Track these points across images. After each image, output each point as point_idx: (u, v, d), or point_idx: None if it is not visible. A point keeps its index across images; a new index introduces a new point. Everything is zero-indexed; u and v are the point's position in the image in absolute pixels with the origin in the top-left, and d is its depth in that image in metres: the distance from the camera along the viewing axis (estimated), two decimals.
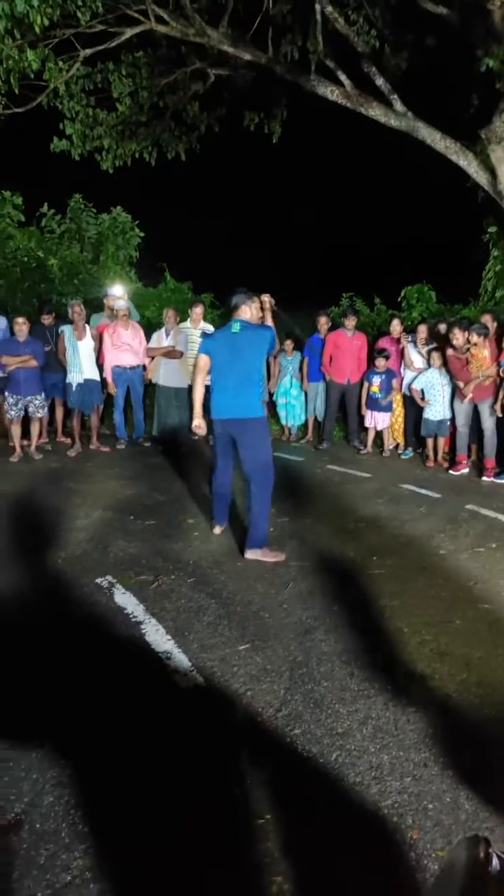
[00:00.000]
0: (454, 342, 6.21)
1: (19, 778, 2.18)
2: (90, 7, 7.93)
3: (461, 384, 6.34)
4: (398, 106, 8.05)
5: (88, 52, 8.72)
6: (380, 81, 8.17)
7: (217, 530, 4.54)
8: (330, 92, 8.26)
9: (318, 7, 7.89)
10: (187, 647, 3.02)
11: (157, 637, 3.10)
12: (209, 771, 2.23)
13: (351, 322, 7.43)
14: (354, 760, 2.29)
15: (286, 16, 8.98)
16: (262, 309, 4.36)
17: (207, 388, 4.18)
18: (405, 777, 2.21)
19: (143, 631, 3.17)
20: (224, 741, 2.38)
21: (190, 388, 7.41)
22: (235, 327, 4.06)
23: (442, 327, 7.01)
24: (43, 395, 6.90)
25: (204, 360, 4.14)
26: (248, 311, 4.15)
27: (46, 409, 6.99)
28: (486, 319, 6.60)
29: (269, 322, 4.37)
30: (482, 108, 8.28)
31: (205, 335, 4.42)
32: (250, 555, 4.07)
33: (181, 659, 2.91)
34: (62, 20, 7.95)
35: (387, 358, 7.15)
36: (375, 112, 8.13)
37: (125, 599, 3.52)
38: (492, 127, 7.07)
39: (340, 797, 2.13)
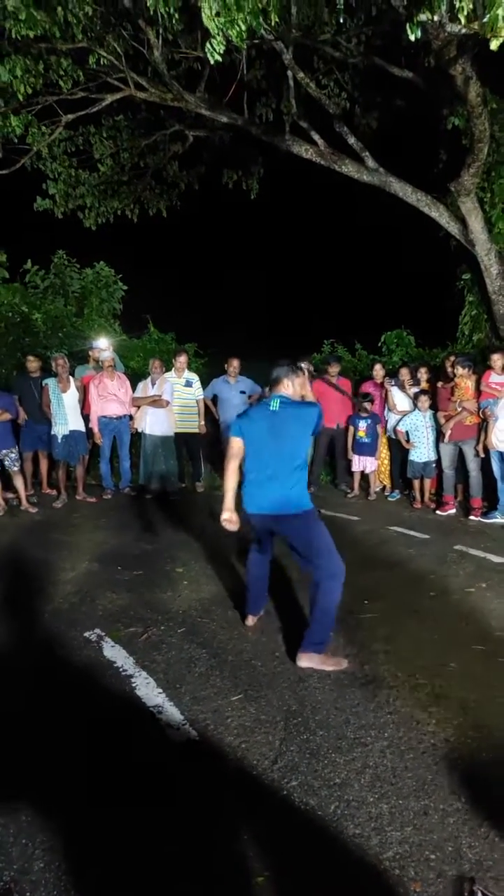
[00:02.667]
0: (456, 371, 6.36)
1: (7, 844, 2.10)
2: (72, 76, 8.30)
3: (443, 420, 6.47)
4: (370, 162, 8.41)
5: (70, 117, 9.07)
6: (352, 140, 8.55)
7: (250, 621, 3.85)
8: (304, 151, 8.62)
9: (290, 73, 8.31)
10: (179, 699, 2.96)
11: (148, 690, 3.05)
12: (205, 828, 2.17)
13: (334, 369, 7.58)
14: (353, 811, 2.24)
15: (260, 81, 9.45)
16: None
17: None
18: (406, 827, 2.16)
19: (134, 685, 3.11)
20: (219, 796, 2.33)
21: (177, 437, 7.54)
22: (274, 404, 3.42)
23: (422, 371, 7.17)
24: (16, 448, 6.85)
25: (238, 445, 3.49)
26: (291, 386, 3.49)
27: (19, 463, 6.88)
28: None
29: (309, 395, 3.69)
30: (450, 163, 8.69)
31: (240, 414, 3.67)
32: (305, 662, 3.29)
33: (173, 712, 2.85)
34: (45, 88, 8.30)
35: (371, 402, 7.27)
36: (349, 168, 8.48)
37: (114, 653, 3.46)
38: (460, 180, 7.38)
39: (341, 851, 2.08)
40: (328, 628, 3.30)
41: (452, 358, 6.49)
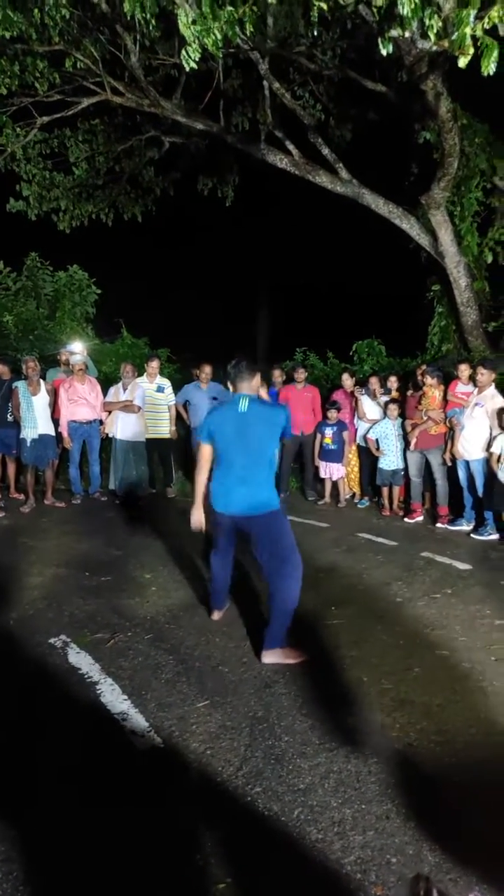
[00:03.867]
0: (425, 380, 6.42)
1: None
2: (48, 78, 8.26)
3: (410, 428, 6.55)
4: (343, 174, 8.53)
5: (46, 119, 9.02)
6: (326, 151, 8.66)
7: (216, 616, 3.96)
8: (279, 160, 8.70)
9: (266, 83, 8.39)
10: (144, 706, 2.94)
11: (113, 697, 3.02)
12: (168, 836, 2.16)
13: (300, 375, 7.63)
14: (317, 816, 2.24)
15: (237, 89, 9.53)
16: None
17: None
18: (368, 831, 2.17)
19: (99, 691, 3.07)
20: (183, 803, 2.31)
21: (148, 442, 7.50)
22: (243, 405, 3.39)
23: (392, 380, 7.25)
24: None
25: (208, 451, 3.53)
26: (249, 386, 3.46)
27: None
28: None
29: (263, 394, 3.71)
30: (421, 176, 8.85)
31: (208, 413, 3.64)
32: (269, 657, 3.36)
33: (138, 719, 2.83)
34: (21, 90, 8.24)
35: (338, 410, 7.33)
36: (322, 179, 8.58)
37: (80, 659, 3.42)
38: (431, 193, 7.52)
39: (303, 856, 2.08)
40: (286, 625, 3.37)
41: (423, 367, 6.60)
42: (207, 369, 7.70)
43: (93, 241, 11.29)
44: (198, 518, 3.60)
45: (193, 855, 2.06)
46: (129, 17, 5.31)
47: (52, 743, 2.68)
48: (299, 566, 3.38)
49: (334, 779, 2.44)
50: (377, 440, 6.96)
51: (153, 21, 5.01)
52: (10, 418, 7.08)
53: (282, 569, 3.34)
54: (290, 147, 8.68)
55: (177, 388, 7.93)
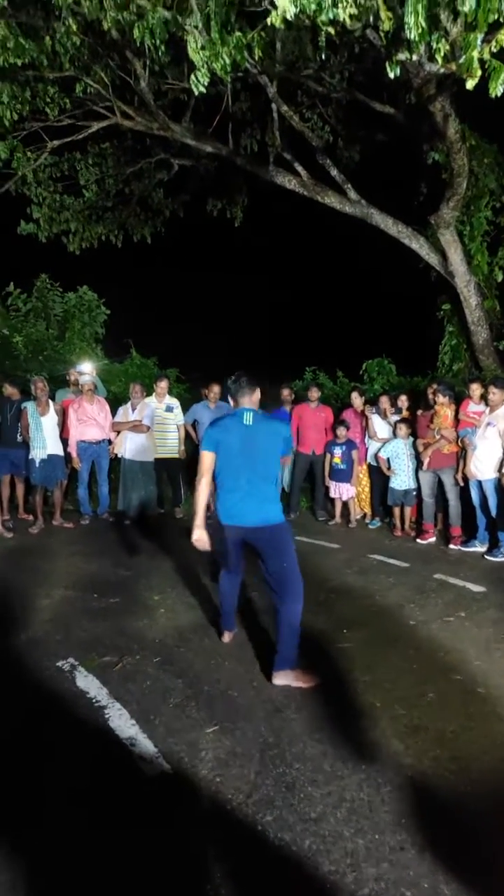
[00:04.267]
0: (436, 399, 6.41)
1: None
2: (58, 103, 8.43)
3: (422, 447, 6.53)
4: (352, 194, 8.62)
5: (56, 143, 9.20)
6: (334, 172, 8.77)
7: (226, 638, 3.95)
8: (287, 181, 8.82)
9: (274, 106, 8.53)
10: (153, 731, 2.91)
11: (121, 722, 2.99)
12: (177, 863, 2.12)
13: (314, 394, 7.66)
14: (329, 847, 2.20)
15: (245, 112, 9.68)
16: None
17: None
18: (382, 863, 2.13)
19: (107, 716, 3.05)
20: (192, 831, 2.28)
21: (157, 462, 7.52)
22: (248, 418, 3.47)
23: (402, 399, 7.25)
24: None
25: (210, 459, 3.54)
26: (249, 400, 3.55)
27: None
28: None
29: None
30: (430, 196, 8.93)
31: (212, 423, 3.64)
32: (280, 679, 3.36)
33: (146, 745, 2.80)
34: (31, 114, 8.42)
35: (347, 427, 7.34)
36: (331, 200, 8.68)
37: (87, 683, 3.40)
38: (440, 213, 7.59)
39: (315, 888, 2.04)
40: (295, 645, 3.40)
41: (434, 386, 6.61)
42: (216, 389, 7.74)
43: (102, 262, 11.43)
44: (199, 537, 3.60)
45: (203, 885, 2.03)
46: (138, 44, 5.43)
47: (60, 767, 2.66)
48: (300, 583, 3.43)
49: (347, 808, 2.40)
50: (388, 459, 6.94)
51: (163, 47, 5.13)
52: (19, 439, 7.12)
53: (284, 586, 3.41)
54: (299, 168, 8.80)
55: (185, 407, 7.96)
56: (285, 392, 8.02)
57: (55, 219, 10.04)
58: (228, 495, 3.52)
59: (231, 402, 3.67)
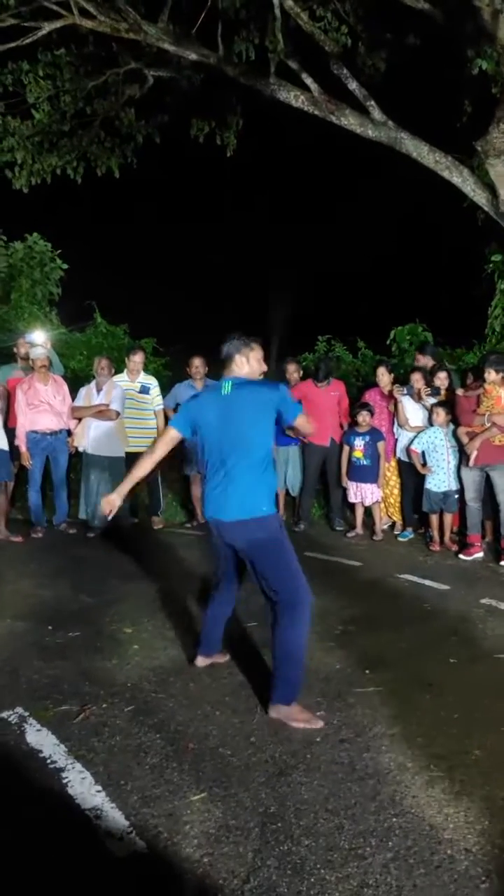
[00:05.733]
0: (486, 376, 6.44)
1: None
2: None
3: (466, 438, 6.53)
4: (376, 114, 8.58)
5: None
6: (353, 85, 8.72)
7: (199, 662, 4.14)
8: (294, 97, 8.77)
9: (276, 1, 8.45)
10: (124, 800, 2.92)
11: (84, 788, 3.00)
12: None
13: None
14: None
15: (239, 9, 9.60)
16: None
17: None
18: None
19: (65, 780, 3.06)
20: None
21: (128, 458, 7.52)
22: (226, 388, 3.59)
23: (440, 377, 7.24)
24: None
25: (171, 436, 3.74)
26: (246, 364, 3.68)
27: None
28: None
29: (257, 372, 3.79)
30: (476, 117, 8.89)
31: (190, 398, 3.83)
32: (275, 713, 3.55)
33: (115, 817, 2.81)
34: None
35: (371, 413, 7.33)
36: (349, 121, 8.64)
37: (41, 738, 3.41)
38: (488, 138, 7.57)
39: None
40: (295, 676, 3.51)
41: (487, 358, 6.61)
42: (197, 363, 7.71)
43: (58, 203, 11.41)
44: (111, 499, 3.80)
45: None
46: None
47: (5, 849, 2.67)
48: (302, 595, 3.54)
49: (370, 895, 2.42)
50: (423, 454, 6.95)
51: None
52: None
53: (280, 600, 3.52)
54: (308, 81, 8.75)
55: (167, 387, 7.96)
56: (291, 368, 8.01)
57: None
58: (208, 486, 3.68)
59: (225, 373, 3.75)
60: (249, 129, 11.35)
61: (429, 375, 7.25)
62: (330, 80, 8.87)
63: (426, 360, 7.74)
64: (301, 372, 8.09)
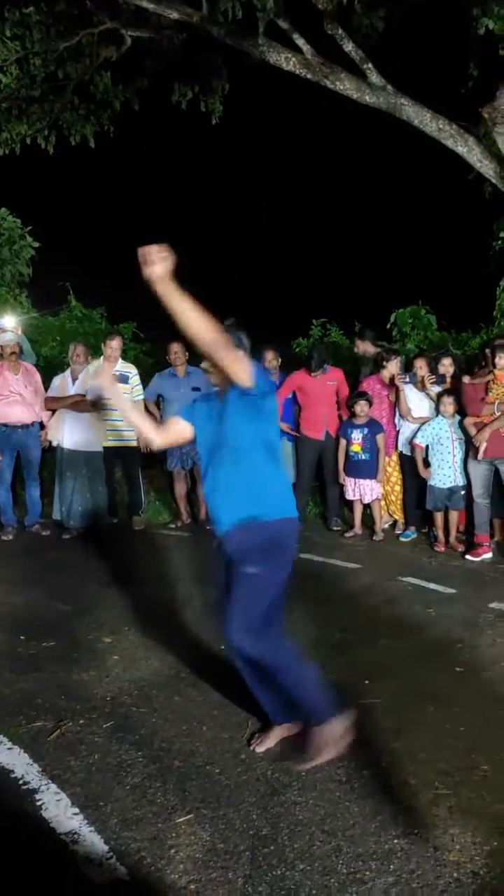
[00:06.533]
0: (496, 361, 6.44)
1: None
2: None
3: (473, 429, 6.54)
4: (374, 77, 8.57)
5: None
6: (349, 47, 8.70)
7: (262, 745, 3.54)
8: (284, 60, 8.75)
9: None
10: (103, 823, 2.93)
11: (59, 811, 3.01)
12: None
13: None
14: None
15: None
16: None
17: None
18: None
19: (40, 802, 3.06)
20: None
21: (106, 453, 7.52)
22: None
23: (445, 363, 7.25)
24: None
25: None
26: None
27: None
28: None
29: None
30: (482, 81, 8.89)
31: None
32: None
33: (94, 841, 2.82)
34: None
35: (369, 403, 7.33)
36: (345, 85, 8.63)
37: (12, 758, 3.41)
38: (495, 104, 7.57)
39: None
40: (313, 700, 3.29)
41: (494, 342, 6.62)
42: (176, 348, 7.66)
43: (27, 175, 11.35)
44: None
45: None
46: None
47: None
48: (242, 605, 3.22)
49: None
50: (427, 447, 6.97)
51: None
52: None
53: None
54: (300, 42, 8.73)
55: (148, 376, 7.95)
56: (269, 355, 7.91)
57: None
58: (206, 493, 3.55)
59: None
60: (236, 95, 11.31)
61: (433, 363, 7.26)
62: (324, 41, 8.84)
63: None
64: (279, 360, 7.96)
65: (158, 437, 3.62)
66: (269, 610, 3.28)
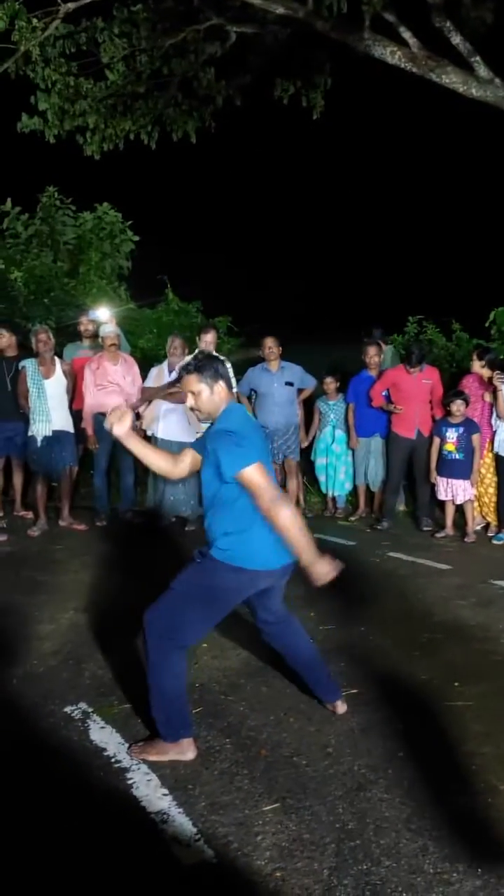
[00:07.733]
0: None
1: None
2: None
3: None
4: (482, 71, 8.40)
5: (71, 5, 9.27)
6: (457, 40, 8.55)
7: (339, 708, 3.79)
8: (390, 54, 8.65)
9: None
10: (191, 805, 2.98)
11: (150, 791, 3.07)
12: None
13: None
14: None
15: None
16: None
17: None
18: None
19: (130, 781, 3.14)
20: None
21: None
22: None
23: None
24: None
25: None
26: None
27: None
28: None
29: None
30: None
31: None
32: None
33: (182, 823, 2.87)
34: None
35: (466, 403, 7.21)
36: (451, 79, 8.48)
37: (105, 736, 3.50)
38: None
39: None
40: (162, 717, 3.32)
41: None
42: (270, 343, 7.70)
43: (131, 170, 11.55)
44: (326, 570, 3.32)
45: None
46: None
47: (65, 849, 2.75)
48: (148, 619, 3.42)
49: None
50: None
51: None
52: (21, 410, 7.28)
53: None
54: (406, 35, 8.62)
55: (243, 369, 7.98)
56: (371, 350, 7.88)
57: (68, 111, 10.14)
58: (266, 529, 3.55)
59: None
60: (338, 89, 11.24)
61: None
62: (430, 34, 8.71)
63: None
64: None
65: (176, 469, 3.83)
66: (188, 623, 3.40)
